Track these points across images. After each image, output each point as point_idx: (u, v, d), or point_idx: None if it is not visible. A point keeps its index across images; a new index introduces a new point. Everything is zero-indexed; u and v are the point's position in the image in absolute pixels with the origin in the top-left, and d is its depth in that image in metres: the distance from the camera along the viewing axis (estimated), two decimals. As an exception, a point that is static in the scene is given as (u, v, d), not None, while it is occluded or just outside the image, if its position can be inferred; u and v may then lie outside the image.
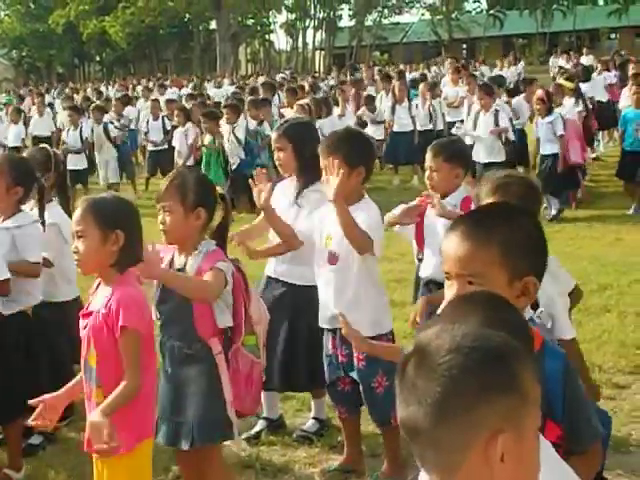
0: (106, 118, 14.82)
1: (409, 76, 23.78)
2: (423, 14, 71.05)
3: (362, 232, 3.94)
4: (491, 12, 67.44)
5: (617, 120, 12.61)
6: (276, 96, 16.65)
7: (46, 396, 3.37)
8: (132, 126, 16.52)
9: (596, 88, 14.99)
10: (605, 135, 16.05)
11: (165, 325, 3.66)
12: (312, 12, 69.64)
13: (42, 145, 5.91)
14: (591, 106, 13.32)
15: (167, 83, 29.09)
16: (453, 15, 66.10)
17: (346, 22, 73.22)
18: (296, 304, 4.63)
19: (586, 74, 15.35)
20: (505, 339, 1.42)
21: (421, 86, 15.64)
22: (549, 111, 10.77)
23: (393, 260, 8.16)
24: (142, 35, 60.52)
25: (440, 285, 2.22)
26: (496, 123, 10.96)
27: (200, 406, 3.61)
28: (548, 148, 10.83)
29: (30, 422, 3.41)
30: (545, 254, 2.22)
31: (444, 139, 5.47)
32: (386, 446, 4.40)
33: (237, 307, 3.68)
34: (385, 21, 68.84)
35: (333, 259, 4.16)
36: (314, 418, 4.99)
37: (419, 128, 14.17)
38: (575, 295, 3.74)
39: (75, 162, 13.20)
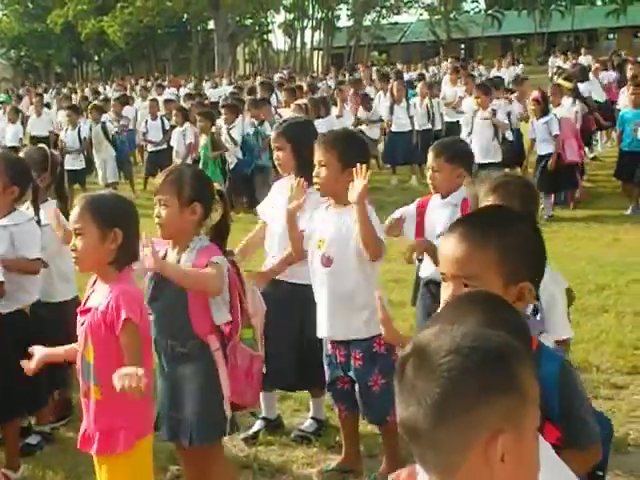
0: (104, 118, 14.82)
1: (407, 76, 23.81)
2: (421, 14, 71.13)
3: (378, 238, 3.95)
4: (489, 12, 67.50)
5: (615, 120, 12.62)
6: (274, 96, 16.65)
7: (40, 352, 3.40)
8: (130, 126, 16.52)
9: (593, 88, 14.99)
10: (603, 135, 16.06)
11: (158, 323, 3.63)
12: (310, 12, 69.64)
13: (39, 145, 5.91)
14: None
15: (165, 83, 29.08)
16: (451, 15, 66.16)
17: (344, 22, 73.45)
18: (295, 302, 4.62)
19: (584, 74, 15.36)
20: (505, 339, 1.42)
21: (419, 85, 15.66)
22: (544, 112, 10.80)
23: (392, 260, 8.12)
24: (140, 35, 60.49)
25: (440, 285, 2.22)
26: (493, 123, 10.98)
27: (197, 405, 3.61)
28: (544, 148, 10.86)
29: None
30: (543, 260, 2.22)
31: (446, 139, 5.48)
32: (385, 446, 4.40)
33: (233, 302, 3.69)
34: (383, 21, 68.86)
35: (327, 262, 4.16)
36: (312, 418, 4.99)
37: (417, 128, 14.19)
38: (567, 297, 3.74)
39: (73, 162, 13.22)
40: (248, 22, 67.37)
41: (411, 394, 1.37)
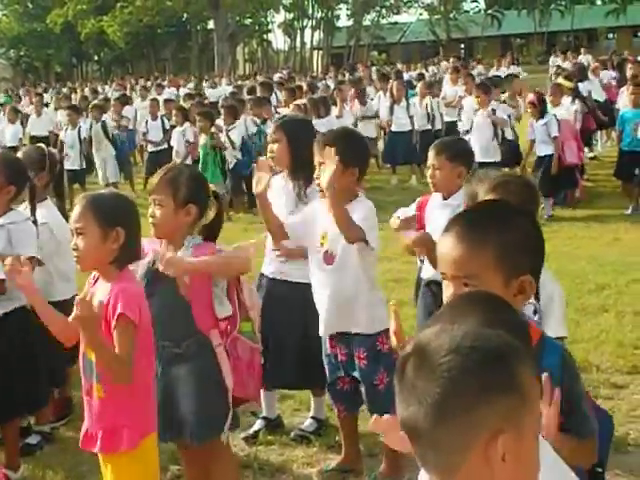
0: (104, 118, 14.82)
1: (406, 76, 23.79)
2: (421, 14, 71.13)
3: (352, 220, 3.91)
4: (489, 12, 67.47)
5: (615, 120, 12.62)
6: (273, 95, 16.65)
7: None
8: (130, 126, 16.52)
9: (593, 87, 14.99)
10: (603, 135, 16.06)
11: (153, 323, 3.64)
12: (310, 12, 69.64)
13: (38, 144, 5.91)
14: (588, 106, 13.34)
15: (164, 83, 29.06)
16: (451, 15, 66.16)
17: (344, 22, 73.41)
18: (297, 301, 4.61)
19: (582, 73, 15.36)
20: (505, 339, 1.42)
21: (419, 85, 15.65)
22: (542, 113, 10.80)
23: (392, 260, 8.16)
24: (140, 35, 60.49)
25: (441, 285, 2.22)
26: (492, 122, 10.98)
27: (194, 405, 3.61)
28: (543, 149, 10.86)
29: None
30: (542, 253, 2.22)
31: (447, 138, 5.47)
32: (385, 445, 4.39)
33: (231, 296, 3.70)
34: (383, 21, 68.82)
35: (330, 258, 4.14)
36: (312, 417, 5.00)
37: (417, 128, 14.18)
38: None
39: (72, 162, 13.22)
40: (248, 22, 67.36)
41: (411, 394, 1.37)
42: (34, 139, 15.54)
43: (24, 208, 4.78)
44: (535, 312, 3.05)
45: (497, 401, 1.34)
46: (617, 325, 6.49)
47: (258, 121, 12.47)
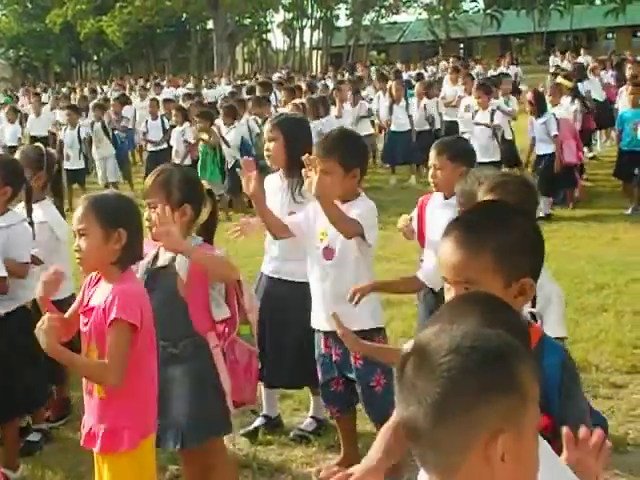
0: (104, 117, 14.86)
1: (406, 76, 23.79)
2: (420, 14, 71.11)
3: (345, 215, 3.91)
4: (488, 12, 67.42)
5: (614, 119, 12.62)
6: (273, 95, 16.66)
7: None
8: (129, 125, 16.53)
9: (593, 87, 15.00)
10: (602, 134, 16.07)
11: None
12: (309, 11, 69.62)
13: (36, 144, 5.91)
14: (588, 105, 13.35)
15: (163, 83, 29.05)
16: (450, 15, 66.14)
17: (343, 22, 73.38)
18: (296, 300, 4.61)
19: (581, 73, 15.37)
20: (505, 339, 1.42)
21: (417, 85, 15.64)
22: (541, 112, 10.79)
23: (391, 260, 8.16)
24: (139, 34, 60.46)
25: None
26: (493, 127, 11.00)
27: (187, 407, 3.60)
28: (543, 148, 10.85)
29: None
30: (542, 253, 2.22)
31: (448, 137, 5.47)
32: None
33: (230, 299, 3.70)
34: (382, 21, 68.78)
35: (329, 253, 4.14)
36: (312, 417, 5.00)
37: (417, 128, 14.18)
38: None
39: (72, 162, 13.22)
40: (247, 22, 67.35)
41: (411, 393, 1.37)
42: (34, 139, 15.53)
43: (22, 208, 4.79)
44: (534, 318, 3.04)
45: (497, 401, 1.34)
46: (616, 325, 6.49)
47: (259, 120, 12.46)
